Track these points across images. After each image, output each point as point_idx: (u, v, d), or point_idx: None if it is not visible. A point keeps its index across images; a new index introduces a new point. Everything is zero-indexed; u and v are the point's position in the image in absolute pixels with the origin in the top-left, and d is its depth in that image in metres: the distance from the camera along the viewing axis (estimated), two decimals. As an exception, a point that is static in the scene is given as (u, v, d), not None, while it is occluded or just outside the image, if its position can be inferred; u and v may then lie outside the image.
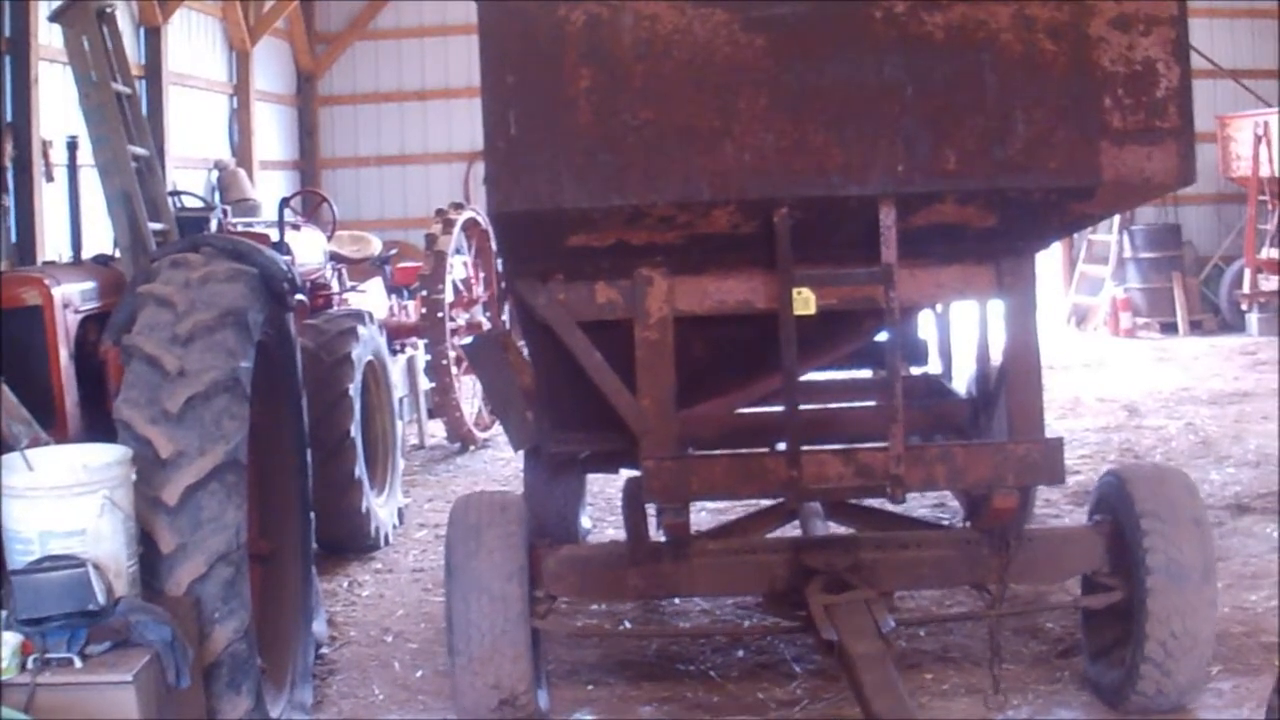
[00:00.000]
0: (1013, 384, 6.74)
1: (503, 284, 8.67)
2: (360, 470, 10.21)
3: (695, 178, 5.94)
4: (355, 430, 10.17)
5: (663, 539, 6.91)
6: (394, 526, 11.01)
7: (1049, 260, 23.03)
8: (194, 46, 18.55)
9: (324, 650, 8.03)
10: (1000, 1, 6.02)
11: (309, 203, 17.45)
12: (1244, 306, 21.73)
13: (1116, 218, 21.52)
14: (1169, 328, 22.05)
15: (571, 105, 5.85)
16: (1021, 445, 6.57)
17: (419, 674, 7.95)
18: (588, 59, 5.85)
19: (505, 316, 10.16)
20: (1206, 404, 15.80)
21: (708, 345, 7.07)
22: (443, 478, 13.51)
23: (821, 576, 6.55)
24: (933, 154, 6.02)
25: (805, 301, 6.31)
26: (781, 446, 6.71)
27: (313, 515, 7.59)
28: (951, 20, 6.00)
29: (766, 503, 7.39)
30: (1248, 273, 21.58)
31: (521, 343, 8.04)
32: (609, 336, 6.63)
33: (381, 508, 10.79)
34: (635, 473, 7.14)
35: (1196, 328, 22.08)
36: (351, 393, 10.18)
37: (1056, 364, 18.70)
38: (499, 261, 9.01)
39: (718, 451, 7.05)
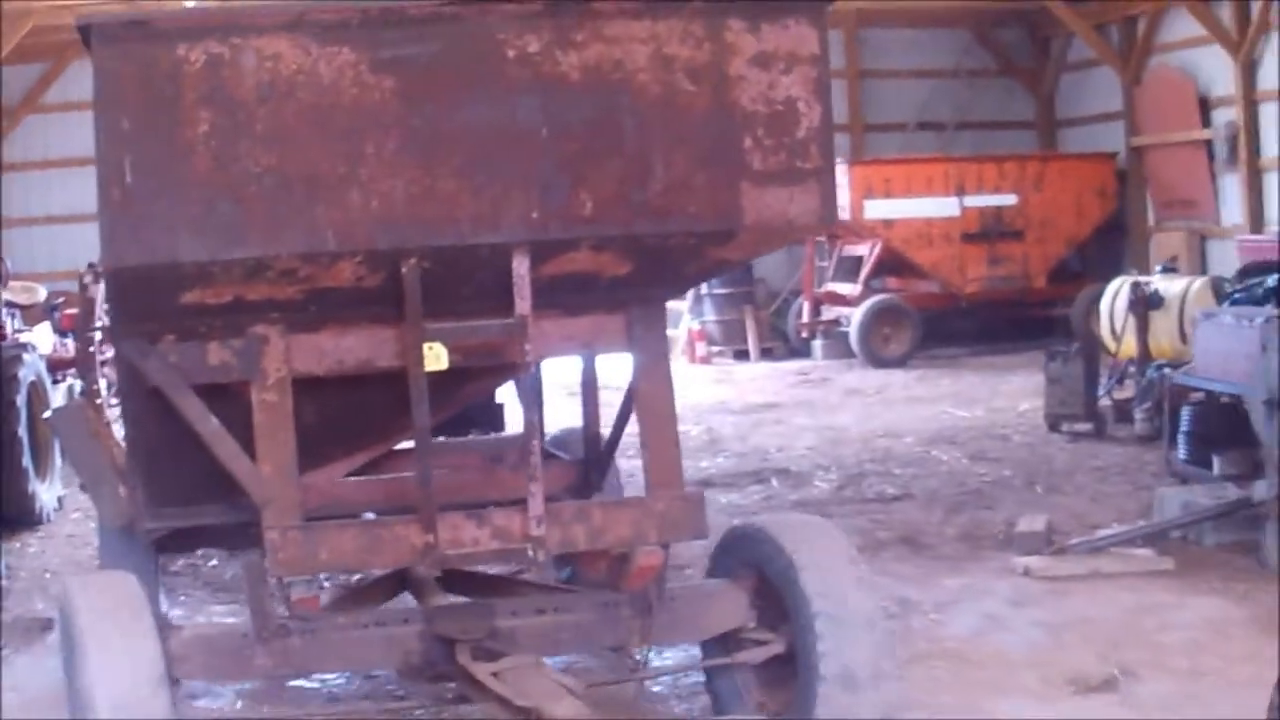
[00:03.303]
0: (649, 438, 6.19)
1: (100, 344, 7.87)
2: (27, 461, 12.58)
3: (320, 228, 5.27)
4: (22, 431, 12.56)
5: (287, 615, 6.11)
6: (55, 508, 13.36)
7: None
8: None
9: (4, 581, 10.59)
10: (638, 41, 5.53)
11: (-13, 259, 17.74)
12: (804, 334, 22.79)
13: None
14: (742, 354, 22.87)
15: (190, 152, 5.12)
16: (661, 501, 6.06)
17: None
18: (207, 102, 5.12)
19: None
20: (735, 413, 17.33)
21: (316, 408, 6.36)
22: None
23: (467, 645, 5.94)
24: (569, 200, 5.48)
25: (436, 357, 5.68)
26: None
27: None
28: (588, 60, 5.47)
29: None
30: (806, 304, 22.61)
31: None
32: (218, 401, 5.90)
33: (45, 493, 13.17)
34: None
35: (768, 354, 22.99)
36: (19, 403, 12.62)
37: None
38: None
39: (346, 520, 6.34)
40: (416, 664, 6.03)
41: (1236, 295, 12.62)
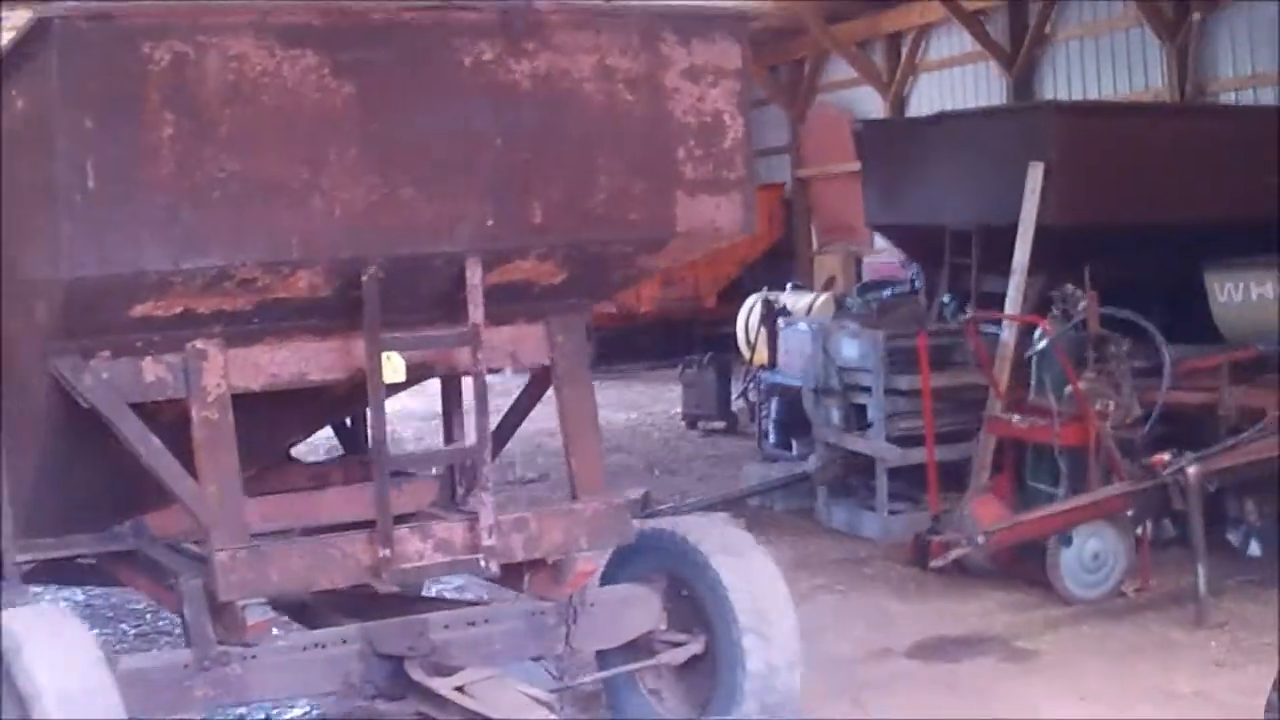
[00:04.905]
0: (573, 445, 5.98)
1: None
2: None
3: (283, 236, 4.92)
4: None
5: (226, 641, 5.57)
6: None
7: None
8: None
9: None
10: (583, 51, 5.36)
11: None
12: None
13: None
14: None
15: (154, 155, 4.70)
16: (589, 507, 5.88)
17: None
18: (171, 103, 4.70)
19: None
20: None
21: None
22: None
23: (416, 661, 5.59)
24: (520, 208, 5.27)
25: (395, 368, 5.35)
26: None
27: None
28: (538, 69, 5.26)
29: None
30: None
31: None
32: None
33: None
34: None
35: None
36: None
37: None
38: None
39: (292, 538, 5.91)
40: (356, 684, 5.65)
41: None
